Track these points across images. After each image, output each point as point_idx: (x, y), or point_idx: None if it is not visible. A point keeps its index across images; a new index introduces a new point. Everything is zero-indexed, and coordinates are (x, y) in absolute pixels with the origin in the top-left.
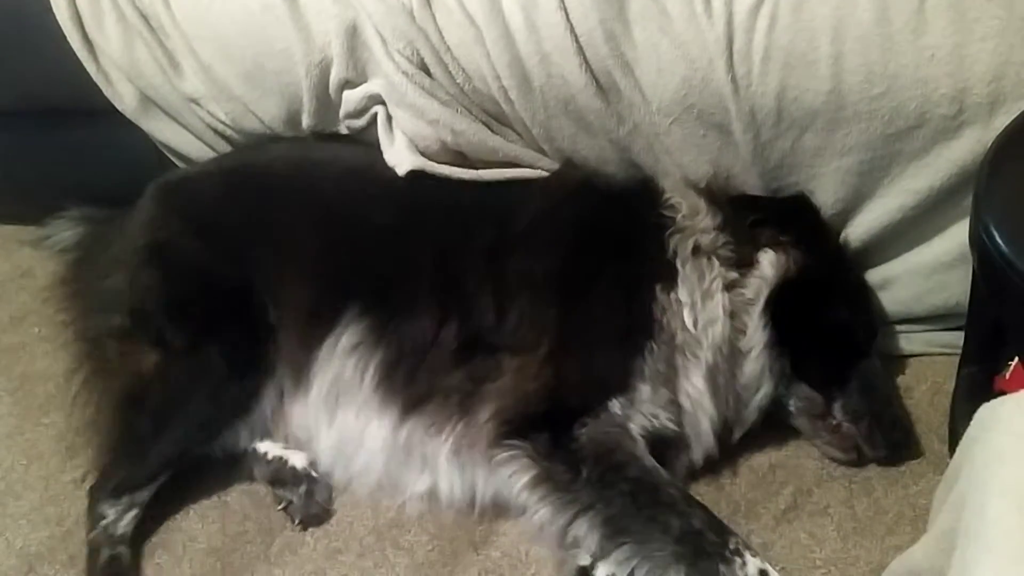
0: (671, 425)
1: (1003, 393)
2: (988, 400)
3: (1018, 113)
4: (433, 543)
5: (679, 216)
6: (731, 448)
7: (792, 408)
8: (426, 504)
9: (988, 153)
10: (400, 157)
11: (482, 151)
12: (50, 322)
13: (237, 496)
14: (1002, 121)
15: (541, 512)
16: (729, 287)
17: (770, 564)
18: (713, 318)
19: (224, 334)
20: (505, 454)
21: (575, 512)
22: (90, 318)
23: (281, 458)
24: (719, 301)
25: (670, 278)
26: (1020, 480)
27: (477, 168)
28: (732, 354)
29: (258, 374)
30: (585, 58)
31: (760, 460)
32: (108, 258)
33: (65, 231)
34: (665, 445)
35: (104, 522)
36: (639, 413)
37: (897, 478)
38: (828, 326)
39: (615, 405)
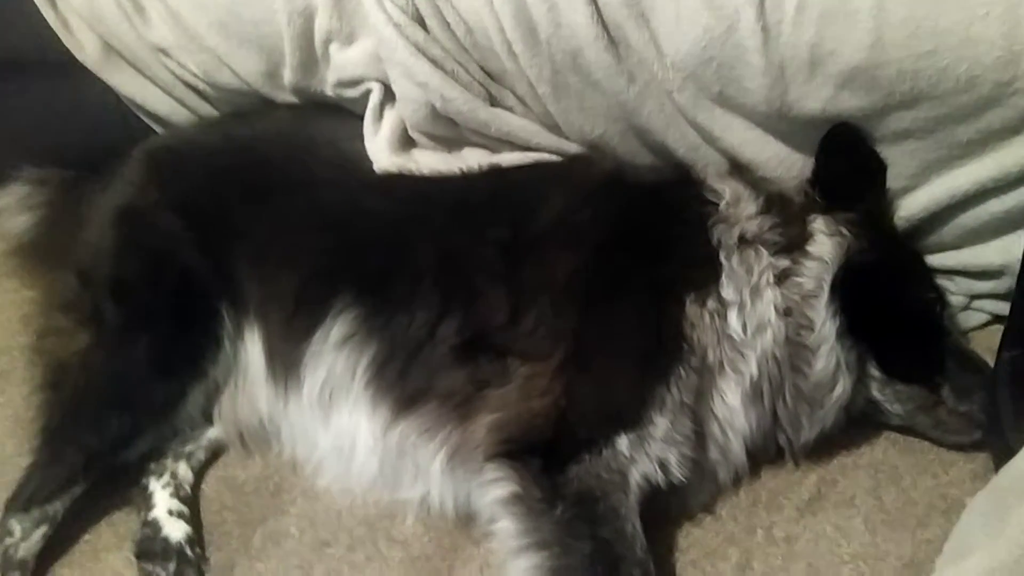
0: (678, 475)
1: None
2: None
3: None
4: (429, 535)
5: (722, 204)
6: None
7: (899, 411)
8: (423, 512)
9: None
10: (380, 153)
11: (472, 122)
12: (3, 290)
13: (214, 484)
14: None
15: (505, 524)
16: (781, 278)
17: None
18: (764, 322)
19: (159, 326)
20: (495, 469)
21: (531, 543)
22: (55, 278)
23: (156, 523)
24: (770, 300)
25: (709, 280)
26: None
27: (464, 150)
28: (794, 354)
29: (185, 375)
30: (597, 7)
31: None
32: (82, 216)
33: (20, 195)
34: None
35: (8, 541)
36: (646, 456)
37: (926, 466)
38: (912, 310)
39: (623, 443)
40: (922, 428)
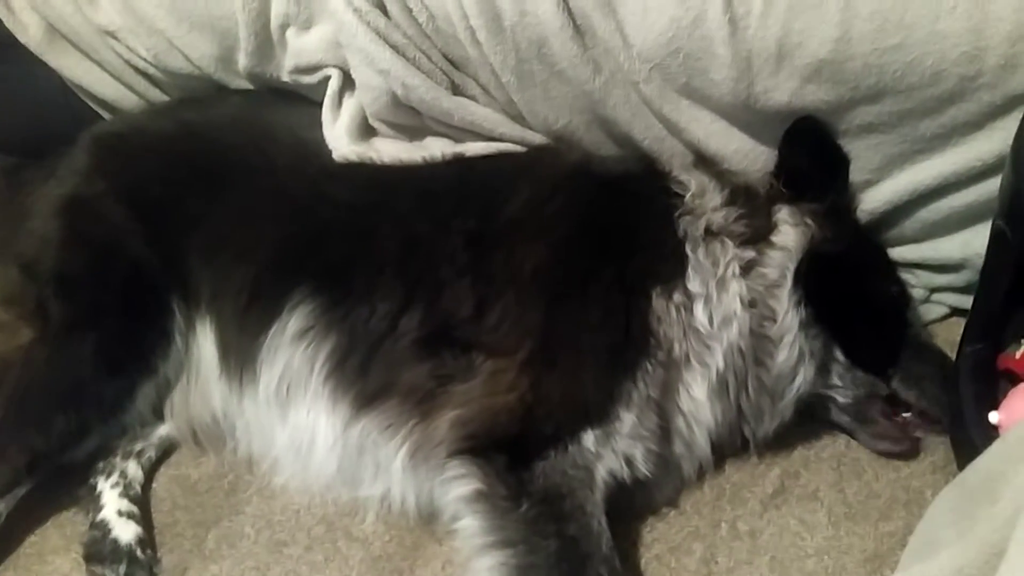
0: (644, 470)
1: (1010, 372)
2: (993, 379)
3: None
4: (390, 534)
5: (688, 195)
6: None
7: (842, 399)
8: (383, 510)
9: None
10: (339, 141)
11: (435, 111)
12: None
13: (165, 483)
14: (1018, 85)
15: (469, 522)
16: (747, 269)
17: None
18: (729, 314)
19: (107, 323)
20: (458, 466)
21: (496, 541)
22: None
23: (105, 524)
24: (736, 292)
25: (675, 273)
26: None
27: (426, 139)
28: (758, 347)
29: (134, 372)
30: None
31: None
32: (24, 206)
33: None
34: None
35: None
36: (612, 452)
37: (888, 459)
38: (874, 300)
39: (589, 439)
40: (850, 424)
